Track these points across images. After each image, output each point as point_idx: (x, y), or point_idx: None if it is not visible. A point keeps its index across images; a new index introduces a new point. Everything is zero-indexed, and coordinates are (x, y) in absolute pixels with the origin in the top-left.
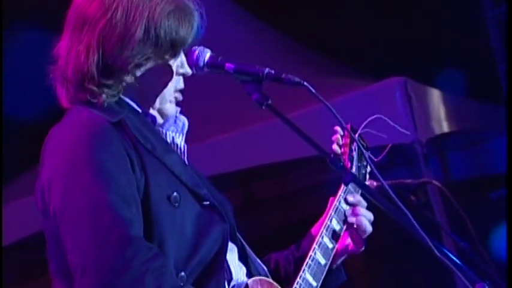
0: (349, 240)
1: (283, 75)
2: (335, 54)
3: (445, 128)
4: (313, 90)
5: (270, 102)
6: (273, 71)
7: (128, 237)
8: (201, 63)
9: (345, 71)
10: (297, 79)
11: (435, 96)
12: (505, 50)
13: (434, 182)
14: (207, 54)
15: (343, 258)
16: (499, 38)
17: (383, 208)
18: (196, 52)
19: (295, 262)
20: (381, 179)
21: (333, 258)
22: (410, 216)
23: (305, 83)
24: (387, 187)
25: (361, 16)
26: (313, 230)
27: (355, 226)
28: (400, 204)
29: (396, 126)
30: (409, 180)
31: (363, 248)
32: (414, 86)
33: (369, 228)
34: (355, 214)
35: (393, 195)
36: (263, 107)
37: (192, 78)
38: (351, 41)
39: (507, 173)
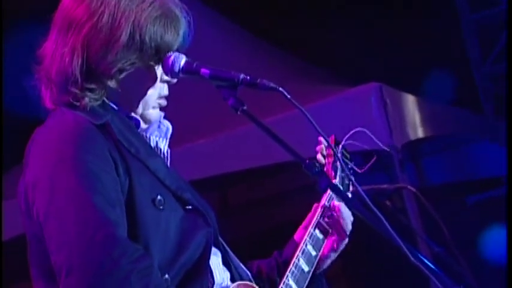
0: (332, 243)
1: (258, 81)
2: (311, 59)
3: (420, 133)
4: (288, 96)
5: (245, 107)
6: (248, 77)
7: (115, 237)
8: (177, 69)
9: (320, 76)
10: (272, 84)
11: (410, 101)
12: (506, 50)
13: (410, 187)
14: (182, 60)
15: (326, 263)
16: (476, 43)
17: (359, 214)
18: (172, 58)
19: (278, 267)
20: (355, 184)
21: (316, 265)
22: (386, 222)
23: (280, 89)
24: (362, 193)
25: (337, 21)
26: (295, 236)
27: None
28: (376, 210)
29: (378, 142)
30: (384, 186)
31: (345, 241)
32: (389, 91)
33: (349, 226)
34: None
35: (368, 201)
36: (238, 113)
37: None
38: (327, 46)
39: (507, 174)
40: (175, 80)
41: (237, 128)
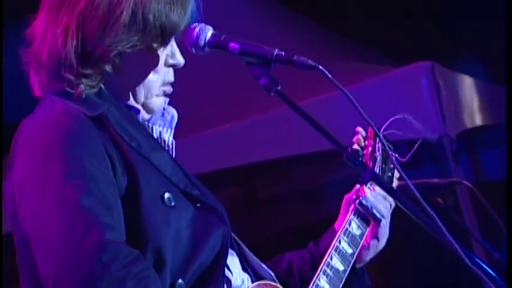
0: (372, 231)
1: (295, 58)
2: (353, 35)
3: (478, 121)
4: (330, 75)
5: (279, 87)
6: (283, 53)
7: (105, 241)
8: (202, 43)
9: (364, 54)
10: (310, 62)
11: (467, 84)
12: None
13: (465, 182)
14: (209, 32)
15: (368, 255)
16: None
17: (407, 211)
18: (197, 30)
19: (313, 261)
20: (405, 177)
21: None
22: (438, 221)
23: (320, 67)
24: (412, 187)
25: None
26: (336, 225)
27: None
28: (427, 207)
29: (422, 129)
30: (436, 180)
31: (384, 227)
32: (443, 72)
33: (382, 212)
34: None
35: (419, 196)
36: (271, 93)
37: (187, 59)
38: (372, 20)
39: (507, 175)
40: (182, 64)
41: (267, 112)
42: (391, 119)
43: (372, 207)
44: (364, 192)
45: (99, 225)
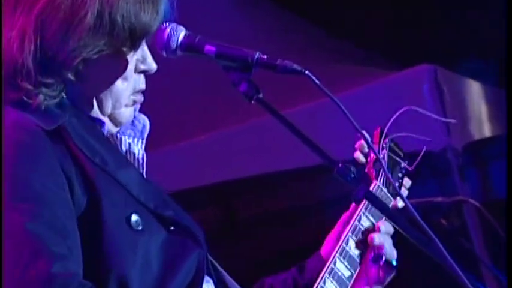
0: (373, 270)
1: (278, 61)
2: (348, 34)
3: (487, 131)
4: (317, 81)
5: (261, 95)
6: (265, 56)
7: (53, 273)
8: (174, 45)
9: (359, 55)
10: (295, 66)
11: (474, 90)
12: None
13: (471, 200)
14: (182, 33)
15: None
16: None
17: (405, 234)
18: (168, 30)
19: (296, 286)
20: (403, 197)
21: None
22: (441, 246)
23: (306, 72)
24: (411, 207)
25: None
26: (322, 251)
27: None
28: (428, 230)
29: (436, 116)
30: (439, 199)
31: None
32: (447, 76)
33: (389, 251)
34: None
35: (418, 218)
36: (252, 102)
37: (157, 63)
38: (368, 18)
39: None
40: (154, 70)
41: (247, 122)
42: (395, 115)
43: (385, 255)
44: (383, 248)
45: (47, 255)
